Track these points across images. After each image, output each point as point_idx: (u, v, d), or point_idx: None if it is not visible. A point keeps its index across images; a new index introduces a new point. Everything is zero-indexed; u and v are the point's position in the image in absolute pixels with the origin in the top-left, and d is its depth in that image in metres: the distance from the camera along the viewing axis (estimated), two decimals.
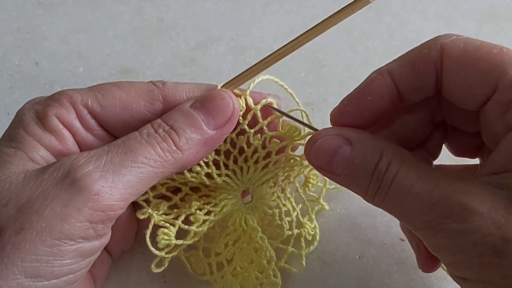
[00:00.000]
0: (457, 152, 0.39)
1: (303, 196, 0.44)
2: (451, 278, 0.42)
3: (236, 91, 0.37)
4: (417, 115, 0.36)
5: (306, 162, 0.39)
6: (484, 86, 0.31)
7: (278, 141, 0.38)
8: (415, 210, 0.30)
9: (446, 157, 0.40)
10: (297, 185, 0.43)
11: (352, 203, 0.45)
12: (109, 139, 0.36)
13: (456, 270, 0.30)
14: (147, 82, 0.37)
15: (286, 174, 0.41)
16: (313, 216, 0.43)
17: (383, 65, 0.34)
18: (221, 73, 0.51)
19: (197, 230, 0.38)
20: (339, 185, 0.42)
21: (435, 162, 0.40)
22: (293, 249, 0.42)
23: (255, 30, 0.53)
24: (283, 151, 0.39)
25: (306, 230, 0.42)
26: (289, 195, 0.43)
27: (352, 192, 0.45)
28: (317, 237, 0.43)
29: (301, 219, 0.43)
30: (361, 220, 0.45)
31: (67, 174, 0.30)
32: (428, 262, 0.37)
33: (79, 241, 0.30)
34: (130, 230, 0.41)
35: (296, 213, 0.42)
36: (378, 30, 0.53)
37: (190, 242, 0.39)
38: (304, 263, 0.42)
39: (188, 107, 0.34)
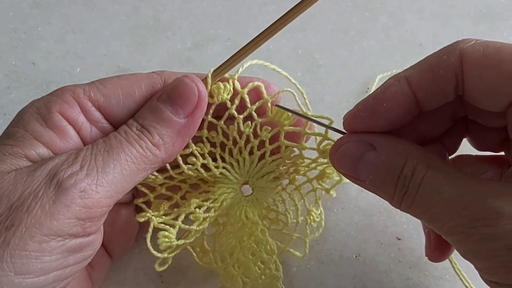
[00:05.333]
0: (480, 147, 0.38)
1: (313, 186, 0.43)
2: (447, 277, 0.42)
3: (226, 75, 0.37)
4: (437, 112, 0.35)
5: (320, 159, 0.38)
6: (509, 88, 0.30)
7: (270, 128, 0.37)
8: (444, 215, 0.29)
9: (467, 151, 0.39)
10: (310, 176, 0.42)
11: (349, 202, 0.45)
12: None
13: (490, 275, 0.30)
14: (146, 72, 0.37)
15: (293, 168, 0.41)
16: (320, 203, 0.43)
17: (401, 70, 0.33)
18: None
19: (197, 228, 0.38)
20: (343, 180, 0.41)
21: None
22: (297, 235, 0.42)
23: (252, 30, 0.53)
24: (277, 140, 0.38)
25: (311, 217, 0.42)
26: (296, 184, 0.42)
27: (349, 192, 0.46)
28: (323, 223, 0.43)
29: (308, 206, 0.42)
30: (357, 220, 0.45)
31: (56, 173, 0.31)
32: (435, 252, 0.37)
33: (66, 237, 0.30)
34: (131, 231, 0.41)
35: (302, 201, 0.42)
36: (374, 29, 0.54)
37: (191, 240, 0.39)
38: (307, 250, 0.42)
39: (156, 102, 0.35)
